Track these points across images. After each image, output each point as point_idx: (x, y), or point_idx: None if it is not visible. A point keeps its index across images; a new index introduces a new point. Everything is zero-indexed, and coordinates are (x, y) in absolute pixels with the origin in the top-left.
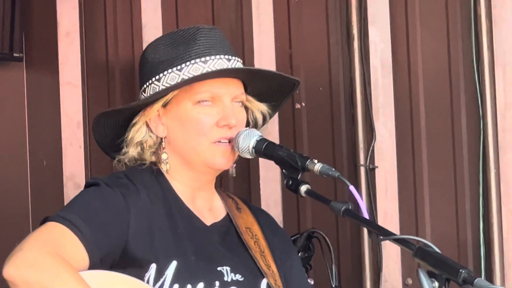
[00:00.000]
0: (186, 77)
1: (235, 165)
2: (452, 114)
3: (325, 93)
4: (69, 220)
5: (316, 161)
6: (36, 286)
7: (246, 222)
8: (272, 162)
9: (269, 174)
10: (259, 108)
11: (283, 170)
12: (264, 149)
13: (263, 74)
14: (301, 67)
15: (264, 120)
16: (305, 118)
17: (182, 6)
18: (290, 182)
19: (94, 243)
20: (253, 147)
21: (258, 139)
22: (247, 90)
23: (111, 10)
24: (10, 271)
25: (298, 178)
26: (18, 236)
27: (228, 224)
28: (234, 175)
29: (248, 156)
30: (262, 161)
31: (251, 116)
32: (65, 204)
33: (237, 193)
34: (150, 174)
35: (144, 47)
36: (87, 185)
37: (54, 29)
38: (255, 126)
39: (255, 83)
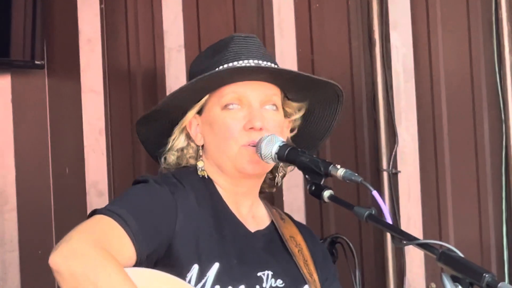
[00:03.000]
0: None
1: (281, 174)
2: (474, 118)
3: (347, 98)
4: (118, 214)
5: (339, 166)
6: (81, 278)
7: (290, 232)
8: (294, 168)
9: (292, 179)
10: (297, 107)
11: (306, 176)
12: (286, 154)
13: (286, 74)
14: (323, 72)
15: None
16: None
17: (203, 12)
18: (313, 188)
19: (143, 239)
20: (276, 153)
21: (280, 145)
22: (289, 99)
23: (133, 16)
24: (57, 260)
25: (321, 183)
26: (41, 243)
27: (272, 232)
28: (279, 184)
29: (271, 162)
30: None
31: (294, 121)
32: (87, 211)
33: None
34: (198, 177)
35: (166, 53)
36: (136, 182)
37: (75, 36)
38: (301, 129)
39: (292, 88)
